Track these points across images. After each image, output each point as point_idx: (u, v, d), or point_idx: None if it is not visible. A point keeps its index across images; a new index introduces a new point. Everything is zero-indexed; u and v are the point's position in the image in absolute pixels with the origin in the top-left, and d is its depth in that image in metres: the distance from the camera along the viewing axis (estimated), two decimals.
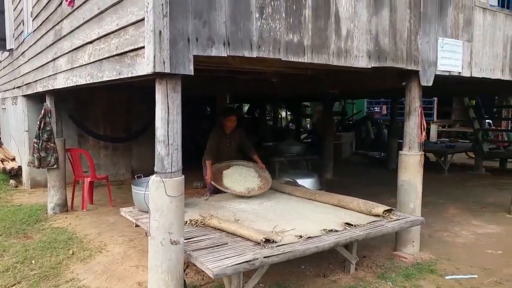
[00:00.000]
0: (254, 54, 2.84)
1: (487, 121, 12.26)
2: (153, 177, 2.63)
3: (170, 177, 2.59)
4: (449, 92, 7.46)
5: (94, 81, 3.54)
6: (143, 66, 2.55)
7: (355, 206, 3.85)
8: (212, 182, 4.28)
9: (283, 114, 24.14)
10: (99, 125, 8.81)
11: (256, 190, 4.38)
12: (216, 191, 4.90)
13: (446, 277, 3.72)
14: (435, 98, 16.38)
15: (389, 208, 3.79)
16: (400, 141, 11.52)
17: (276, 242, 2.92)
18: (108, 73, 3.21)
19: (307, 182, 6.67)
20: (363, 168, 10.99)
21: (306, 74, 5.15)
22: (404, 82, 4.31)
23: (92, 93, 8.64)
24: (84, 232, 5.10)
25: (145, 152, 9.30)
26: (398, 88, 4.70)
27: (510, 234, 5.11)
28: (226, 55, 2.72)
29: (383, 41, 3.72)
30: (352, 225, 3.39)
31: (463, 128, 16.11)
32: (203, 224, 3.35)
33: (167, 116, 2.55)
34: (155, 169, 2.62)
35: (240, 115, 17.54)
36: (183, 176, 2.68)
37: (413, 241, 4.21)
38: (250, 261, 2.60)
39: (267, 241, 2.89)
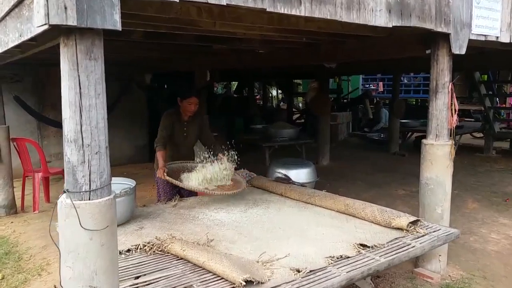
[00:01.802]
0: (224, 1, 1.84)
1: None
2: (60, 199, 1.66)
3: (89, 199, 1.63)
4: (473, 64, 6.46)
5: (3, 50, 2.51)
6: (36, 17, 1.54)
7: (369, 215, 2.93)
8: (166, 177, 3.28)
9: (274, 92, 23.11)
10: (59, 108, 7.73)
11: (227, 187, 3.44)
12: (187, 193, 3.97)
13: None
14: None
15: (415, 218, 2.87)
16: (404, 121, 10.77)
17: (262, 283, 1.99)
18: (12, 36, 2.19)
19: (302, 173, 5.75)
20: (362, 152, 10.10)
21: (300, 42, 4.15)
22: (428, 50, 3.35)
23: (48, 70, 7.57)
24: (28, 243, 4.15)
25: (116, 138, 8.29)
26: (419, 58, 3.79)
27: None
28: None
29: None
30: (368, 246, 2.48)
31: (466, 106, 15.20)
32: (161, 251, 2.41)
33: (78, 99, 1.57)
34: (65, 186, 1.66)
35: (228, 96, 16.47)
36: (113, 196, 1.72)
37: (440, 255, 3.33)
38: None
39: (249, 283, 1.96)
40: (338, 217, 3.06)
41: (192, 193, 4.02)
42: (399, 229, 2.78)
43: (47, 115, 7.61)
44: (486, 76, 9.88)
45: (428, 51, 3.36)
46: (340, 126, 11.90)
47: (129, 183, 3.11)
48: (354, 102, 13.99)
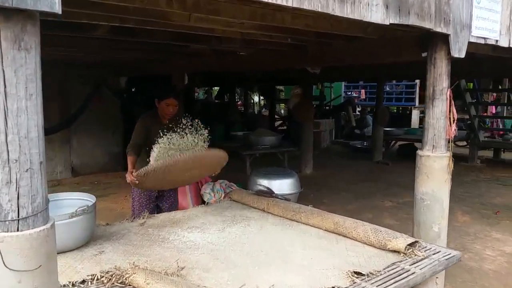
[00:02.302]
0: None
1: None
2: None
3: (17, 230, 1.27)
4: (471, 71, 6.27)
5: None
6: None
7: (361, 235, 2.63)
8: (132, 176, 2.93)
9: (256, 99, 22.87)
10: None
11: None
12: (167, 207, 3.61)
13: None
14: (418, 81, 15.47)
15: (413, 240, 2.58)
16: (388, 129, 10.61)
17: None
18: None
19: (285, 184, 5.45)
20: (345, 160, 9.89)
21: (285, 43, 3.85)
22: (425, 53, 3.11)
23: None
24: None
25: (88, 144, 7.85)
26: (404, 64, 3.54)
27: None
28: None
29: None
30: (363, 274, 2.17)
31: None
32: (121, 283, 2.04)
33: (3, 100, 1.21)
34: None
35: (209, 101, 16.05)
36: (51, 224, 1.36)
37: (437, 277, 3.03)
38: None
39: None
40: (326, 237, 2.74)
41: (172, 207, 3.66)
42: (395, 251, 2.49)
43: None
44: (472, 84, 9.82)
45: (424, 54, 3.11)
46: (323, 133, 11.69)
47: (88, 199, 2.72)
48: (337, 110, 13.83)
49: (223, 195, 5.08)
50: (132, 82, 8.20)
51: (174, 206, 3.68)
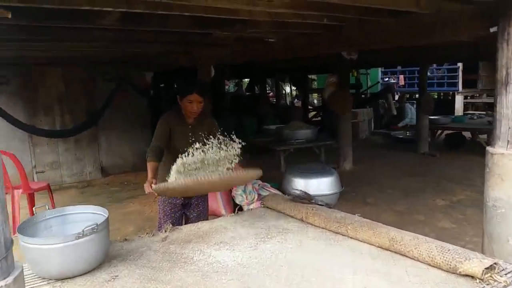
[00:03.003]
0: None
1: None
2: None
3: None
4: None
5: None
6: None
7: (424, 255, 2.17)
8: (154, 187, 2.57)
9: (287, 89, 22.37)
10: (53, 113, 7.12)
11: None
12: (195, 216, 3.27)
13: None
14: (460, 65, 14.53)
15: (491, 262, 2.09)
16: (433, 117, 9.88)
17: None
18: None
19: (324, 183, 5.01)
20: (387, 152, 9.28)
21: (319, 25, 3.38)
22: (493, 27, 2.57)
23: (42, 70, 6.97)
24: None
25: (116, 142, 7.66)
26: (449, 45, 3.00)
27: None
28: None
29: None
30: None
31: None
32: None
33: None
34: None
35: (239, 94, 15.62)
36: (17, 276, 0.99)
37: None
38: None
39: None
40: (381, 255, 2.29)
41: (201, 216, 3.32)
42: (469, 275, 2.01)
43: (39, 121, 7.01)
44: None
45: (493, 29, 2.58)
46: (361, 124, 11.09)
47: (101, 212, 2.40)
48: (375, 98, 13.11)
49: (256, 197, 4.71)
50: (158, 78, 7.93)
51: (203, 215, 3.32)
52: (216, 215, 5.02)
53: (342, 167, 7.52)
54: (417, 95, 16.28)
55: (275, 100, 16.06)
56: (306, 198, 3.11)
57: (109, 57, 6.32)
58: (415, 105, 12.55)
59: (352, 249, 2.38)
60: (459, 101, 15.45)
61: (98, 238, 2.16)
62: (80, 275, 2.12)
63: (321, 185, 4.93)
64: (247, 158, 8.32)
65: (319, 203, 3.15)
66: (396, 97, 13.86)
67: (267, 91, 20.47)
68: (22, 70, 6.82)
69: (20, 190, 4.44)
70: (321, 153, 7.76)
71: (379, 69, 17.54)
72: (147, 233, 2.73)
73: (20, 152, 6.86)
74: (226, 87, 21.92)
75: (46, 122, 6.99)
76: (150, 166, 2.82)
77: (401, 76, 17.60)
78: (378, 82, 16.38)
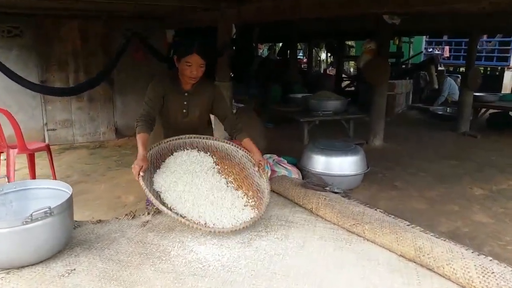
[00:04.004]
0: None
1: None
2: None
3: None
4: None
5: None
6: None
7: (459, 274, 1.69)
8: (141, 182, 2.17)
9: (323, 56, 21.44)
10: (67, 68, 6.82)
11: (238, 222, 2.14)
12: None
13: None
14: None
15: None
16: (478, 94, 9.03)
17: None
18: None
19: (347, 162, 4.51)
20: (423, 130, 8.58)
21: None
22: None
23: (56, 23, 6.63)
24: None
25: (132, 103, 7.34)
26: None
27: None
28: None
29: None
30: None
31: None
32: None
33: None
34: None
35: (269, 59, 14.86)
36: None
37: None
38: None
39: None
40: (402, 269, 1.83)
41: None
42: None
43: (52, 76, 6.73)
44: None
45: None
46: (398, 96, 10.30)
47: (64, 189, 2.03)
48: (417, 69, 12.17)
49: (269, 173, 4.26)
50: (181, 36, 7.45)
51: None
52: None
53: (371, 144, 6.94)
54: (462, 69, 15.19)
55: (306, 67, 15.30)
56: (320, 185, 2.64)
57: (128, 12, 5.90)
58: (458, 80, 11.64)
59: (367, 256, 1.92)
60: (508, 77, 14.24)
61: (53, 223, 1.79)
62: (31, 265, 1.78)
63: (344, 165, 4.44)
64: (271, 127, 7.83)
65: (335, 190, 2.69)
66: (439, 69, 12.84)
67: (300, 57, 19.67)
68: (37, 21, 6.50)
69: (16, 150, 4.18)
70: (349, 127, 7.19)
71: (424, 38, 16.37)
72: (126, 215, 2.35)
73: (32, 109, 6.67)
74: (260, 50, 21.21)
75: (59, 78, 6.71)
76: (140, 138, 2.37)
77: (446, 47, 16.43)
78: (421, 52, 15.29)
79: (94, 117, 7.14)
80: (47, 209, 1.74)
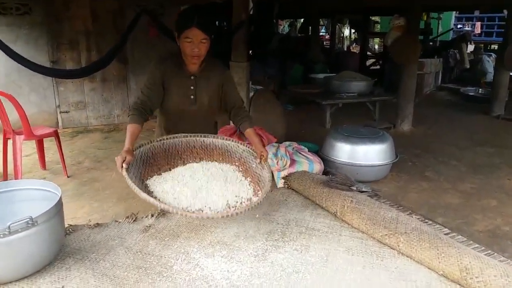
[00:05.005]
0: None
1: None
2: None
3: None
4: None
5: None
6: None
7: None
8: (124, 173, 1.89)
9: (346, 32, 20.74)
10: (79, 47, 6.61)
11: (237, 205, 1.90)
12: None
13: None
14: None
15: None
16: None
17: None
18: None
19: (374, 151, 4.19)
20: (454, 112, 8.13)
21: None
22: None
23: (67, 1, 6.40)
24: None
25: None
26: None
27: None
28: None
29: None
30: None
31: None
32: None
33: None
34: None
35: (289, 36, 14.31)
36: None
37: None
38: None
39: None
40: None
41: None
42: None
43: (63, 55, 6.53)
44: None
45: None
46: (427, 76, 9.80)
47: (53, 190, 1.80)
48: (447, 47, 11.55)
49: (288, 163, 3.99)
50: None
51: None
52: None
53: (398, 128, 6.56)
54: (493, 46, 14.41)
55: (329, 45, 14.75)
56: (345, 184, 2.35)
57: None
58: (491, 57, 11.00)
59: (403, 276, 1.65)
60: None
61: (38, 234, 1.57)
62: (16, 280, 1.57)
63: (370, 153, 4.13)
64: (291, 109, 7.50)
65: (363, 189, 2.40)
66: (471, 48, 12.15)
67: (322, 34, 19.02)
68: None
69: (22, 136, 4.00)
70: (375, 110, 6.82)
71: (453, 14, 15.57)
72: (127, 217, 2.12)
73: (43, 90, 6.51)
74: (280, 27, 20.62)
75: (71, 58, 6.51)
76: (129, 130, 2.09)
77: (478, 23, 15.62)
78: (451, 29, 14.55)
79: (108, 99, 6.95)
80: (28, 219, 1.51)
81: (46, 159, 4.74)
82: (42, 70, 4.68)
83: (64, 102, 6.64)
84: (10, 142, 4.14)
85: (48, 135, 4.30)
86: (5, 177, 4.22)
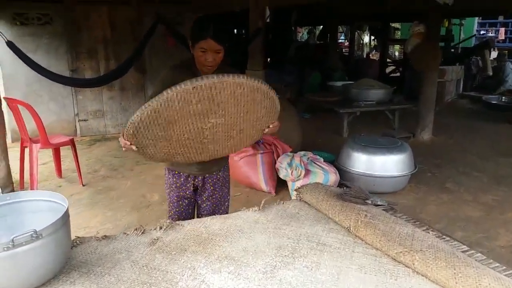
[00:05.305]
0: None
1: None
2: None
3: None
4: None
5: None
6: None
7: None
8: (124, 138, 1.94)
9: (366, 39, 20.56)
10: (97, 56, 6.71)
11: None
12: (208, 208, 2.61)
13: None
14: None
15: None
16: None
17: None
18: None
19: (392, 162, 4.09)
20: (476, 121, 7.92)
21: None
22: None
23: (87, 10, 6.51)
24: None
25: None
26: None
27: None
28: None
29: None
30: None
31: None
32: None
33: None
34: None
35: (307, 43, 14.28)
36: None
37: None
38: None
39: None
40: None
41: (217, 207, 2.63)
42: None
43: (82, 64, 6.64)
44: None
45: None
46: (448, 84, 9.60)
47: (60, 201, 1.79)
48: (469, 54, 11.31)
49: (303, 173, 3.93)
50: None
51: (220, 206, 2.62)
52: (256, 189, 4.37)
53: (418, 137, 6.42)
54: None
55: (348, 52, 14.64)
56: (360, 197, 2.28)
57: None
58: None
59: None
60: None
61: (43, 247, 1.55)
62: None
63: (388, 164, 4.03)
64: (307, 118, 7.44)
65: (379, 202, 2.32)
66: (494, 54, 11.87)
67: (341, 41, 18.92)
68: (66, 8, 6.40)
69: (39, 145, 4.05)
70: (394, 119, 6.70)
71: (476, 20, 15.27)
72: (135, 229, 2.09)
73: (63, 98, 6.62)
74: (299, 34, 20.60)
75: (90, 67, 6.62)
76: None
77: (502, 29, 15.31)
78: (474, 35, 14.26)
79: (126, 107, 7.03)
80: (32, 232, 1.50)
81: (63, 167, 4.80)
82: (60, 79, 4.76)
83: (83, 111, 6.74)
84: (27, 150, 4.19)
85: (64, 144, 4.35)
86: (22, 185, 4.28)
